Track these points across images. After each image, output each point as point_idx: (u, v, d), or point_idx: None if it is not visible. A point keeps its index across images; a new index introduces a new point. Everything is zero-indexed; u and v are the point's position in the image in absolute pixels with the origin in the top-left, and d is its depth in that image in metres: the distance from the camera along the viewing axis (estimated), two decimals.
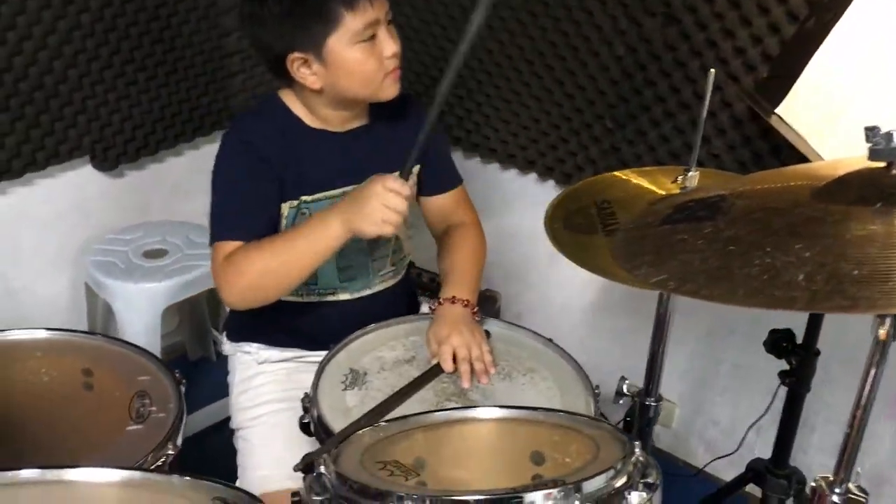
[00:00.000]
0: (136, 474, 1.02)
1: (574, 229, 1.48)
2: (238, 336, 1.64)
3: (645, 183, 1.57)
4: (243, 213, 1.43)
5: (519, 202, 2.38)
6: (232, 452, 1.59)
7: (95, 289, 2.18)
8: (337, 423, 1.29)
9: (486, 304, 2.51)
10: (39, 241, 2.20)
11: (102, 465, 1.00)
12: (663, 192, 1.53)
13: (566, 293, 2.39)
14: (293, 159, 1.46)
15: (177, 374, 1.40)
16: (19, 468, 0.94)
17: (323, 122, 1.49)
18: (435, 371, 1.42)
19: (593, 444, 1.09)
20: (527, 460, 1.14)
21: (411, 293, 1.76)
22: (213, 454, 1.58)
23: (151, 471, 1.11)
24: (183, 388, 1.38)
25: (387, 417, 1.27)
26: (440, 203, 1.66)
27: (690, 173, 1.45)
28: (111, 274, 2.12)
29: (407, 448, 1.14)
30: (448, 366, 1.41)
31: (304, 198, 1.48)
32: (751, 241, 0.93)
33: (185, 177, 2.41)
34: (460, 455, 1.19)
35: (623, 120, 2.06)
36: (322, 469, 1.04)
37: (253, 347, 1.61)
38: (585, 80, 2.09)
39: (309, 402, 1.36)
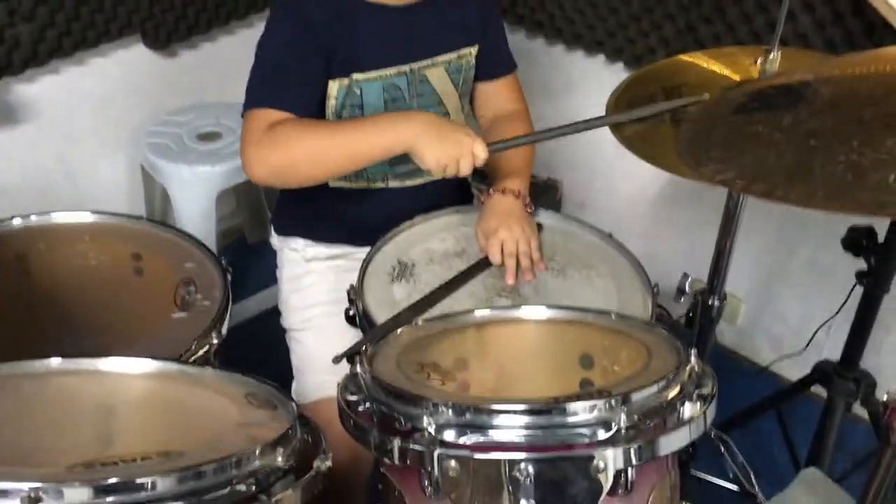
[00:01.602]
0: (172, 365, 1.01)
1: (639, 119, 1.37)
2: (285, 229, 1.60)
3: (719, 68, 1.43)
4: (290, 83, 1.36)
5: (585, 85, 2.24)
6: (282, 338, 1.58)
7: (151, 171, 2.16)
8: (383, 316, 1.25)
9: (548, 193, 2.42)
10: (95, 121, 2.18)
11: (146, 353, 1.00)
12: (740, 78, 1.40)
13: (632, 183, 2.29)
14: (346, 34, 1.36)
15: (223, 263, 1.38)
16: (50, 357, 0.93)
17: None
18: (482, 264, 1.36)
19: (645, 351, 1.03)
20: (575, 363, 1.09)
21: (463, 183, 1.68)
22: (267, 339, 1.59)
23: (186, 363, 1.10)
24: (229, 277, 1.36)
25: (428, 315, 1.22)
26: (491, 89, 1.57)
27: (772, 55, 1.31)
28: (165, 156, 2.10)
29: (448, 348, 1.10)
30: (496, 259, 1.35)
31: (355, 76, 1.39)
32: (836, 134, 0.82)
33: (239, 57, 2.27)
34: (505, 356, 1.14)
35: None
36: (358, 368, 1.01)
37: (299, 244, 1.57)
38: None
39: (355, 293, 1.33)
